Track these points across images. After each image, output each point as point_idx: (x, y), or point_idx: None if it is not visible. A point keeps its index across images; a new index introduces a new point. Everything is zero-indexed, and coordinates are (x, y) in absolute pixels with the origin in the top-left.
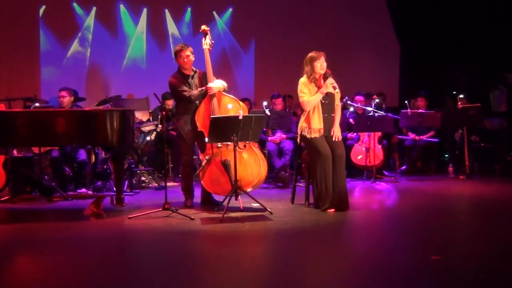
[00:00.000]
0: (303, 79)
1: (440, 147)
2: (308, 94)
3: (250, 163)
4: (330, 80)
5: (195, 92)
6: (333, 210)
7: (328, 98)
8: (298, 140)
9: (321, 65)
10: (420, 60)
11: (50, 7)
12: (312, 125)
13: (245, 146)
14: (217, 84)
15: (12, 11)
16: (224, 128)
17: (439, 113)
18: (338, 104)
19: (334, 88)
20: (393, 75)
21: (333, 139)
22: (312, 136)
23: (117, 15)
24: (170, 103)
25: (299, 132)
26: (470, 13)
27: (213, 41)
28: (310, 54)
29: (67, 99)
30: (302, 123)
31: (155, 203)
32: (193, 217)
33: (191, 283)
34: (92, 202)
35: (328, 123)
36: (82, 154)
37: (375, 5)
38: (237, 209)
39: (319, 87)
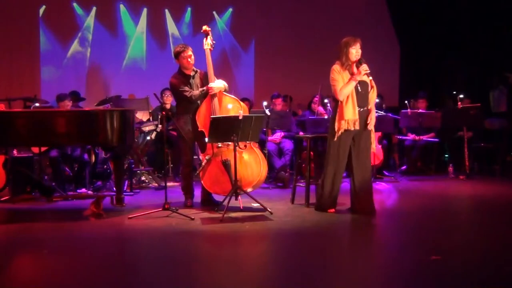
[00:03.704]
0: (336, 66)
1: (440, 147)
2: (341, 82)
3: (251, 163)
4: (364, 67)
5: (196, 92)
6: (333, 210)
7: (362, 87)
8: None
9: (356, 51)
10: (420, 60)
11: (50, 7)
12: (345, 116)
13: (245, 146)
14: (218, 84)
15: (12, 11)
16: (224, 128)
17: (439, 113)
18: (373, 97)
19: (368, 75)
20: (393, 75)
21: (368, 127)
22: (345, 128)
23: (117, 15)
24: (168, 98)
25: (331, 126)
26: (470, 13)
27: (214, 42)
28: (345, 39)
29: (69, 106)
30: (336, 115)
31: (155, 203)
32: (193, 217)
33: (191, 283)
34: (92, 202)
35: (362, 117)
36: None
37: (375, 5)
38: (237, 209)
39: (352, 75)
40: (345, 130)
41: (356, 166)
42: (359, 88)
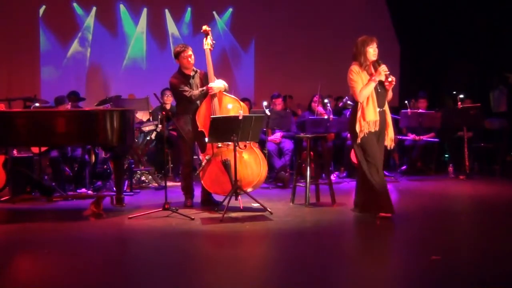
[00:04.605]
0: (354, 67)
1: (440, 147)
2: (360, 83)
3: (251, 163)
4: (384, 68)
5: (196, 92)
6: (390, 214)
7: (381, 87)
8: (350, 138)
9: (374, 50)
10: (420, 60)
11: (50, 7)
12: (366, 117)
13: (245, 146)
14: (218, 84)
15: (12, 11)
16: (224, 128)
17: (439, 113)
18: (390, 94)
19: (387, 76)
20: (393, 75)
21: (388, 146)
22: (367, 131)
23: (117, 15)
24: (169, 98)
25: (352, 128)
26: (470, 13)
27: (214, 42)
28: (361, 38)
29: (68, 107)
30: (356, 117)
31: (155, 203)
32: (193, 217)
33: (191, 283)
34: (92, 202)
35: (381, 117)
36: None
37: (375, 5)
38: (237, 209)
39: (371, 76)
40: (368, 132)
41: None
42: (378, 88)
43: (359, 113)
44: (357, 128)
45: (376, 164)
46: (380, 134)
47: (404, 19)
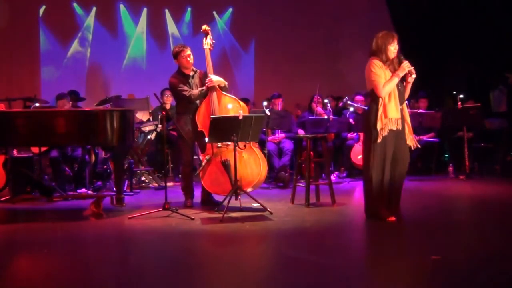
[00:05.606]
0: (376, 61)
1: (440, 147)
2: (383, 78)
3: (250, 163)
4: (407, 64)
5: (195, 91)
6: (394, 218)
7: (401, 85)
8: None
9: (395, 48)
10: (420, 60)
11: (50, 7)
12: (389, 114)
13: (245, 146)
14: (218, 78)
15: (12, 11)
16: (224, 128)
17: (439, 113)
18: (408, 91)
19: (411, 73)
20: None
21: (407, 143)
22: (388, 129)
23: (117, 15)
24: (169, 98)
25: (370, 126)
26: (470, 13)
27: (214, 41)
28: (382, 35)
29: (67, 105)
30: (377, 115)
31: (155, 203)
32: (193, 217)
33: (191, 283)
34: (92, 202)
35: (401, 115)
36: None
37: (375, 5)
38: (237, 209)
39: (393, 72)
40: (389, 130)
41: (395, 166)
42: (399, 85)
43: (380, 110)
44: (379, 126)
45: (385, 164)
46: (398, 133)
47: (404, 19)
